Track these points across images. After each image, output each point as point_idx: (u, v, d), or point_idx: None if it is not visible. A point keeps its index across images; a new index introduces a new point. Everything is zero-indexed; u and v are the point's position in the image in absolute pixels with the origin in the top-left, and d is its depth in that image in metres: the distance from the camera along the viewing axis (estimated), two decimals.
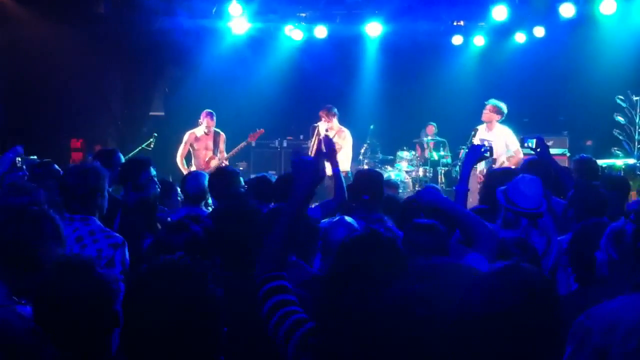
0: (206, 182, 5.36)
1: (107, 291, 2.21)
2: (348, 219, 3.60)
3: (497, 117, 9.28)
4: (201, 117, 9.86)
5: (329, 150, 4.71)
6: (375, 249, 2.32)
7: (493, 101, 9.30)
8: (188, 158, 9.81)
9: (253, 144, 11.10)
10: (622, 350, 2.12)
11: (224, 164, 9.44)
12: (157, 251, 3.25)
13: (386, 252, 2.33)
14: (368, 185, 4.93)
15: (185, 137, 9.80)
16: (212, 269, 1.86)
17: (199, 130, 9.83)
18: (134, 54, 12.92)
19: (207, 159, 9.75)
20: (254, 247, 2.88)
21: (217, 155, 9.80)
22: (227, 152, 10.00)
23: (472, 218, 3.75)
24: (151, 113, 14.13)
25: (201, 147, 9.79)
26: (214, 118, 9.84)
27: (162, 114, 14.43)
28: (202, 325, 1.81)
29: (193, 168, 9.38)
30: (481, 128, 9.54)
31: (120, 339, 1.83)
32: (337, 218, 3.63)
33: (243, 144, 10.31)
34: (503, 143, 9.17)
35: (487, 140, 9.27)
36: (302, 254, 3.46)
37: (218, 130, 9.90)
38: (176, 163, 9.75)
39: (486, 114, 9.31)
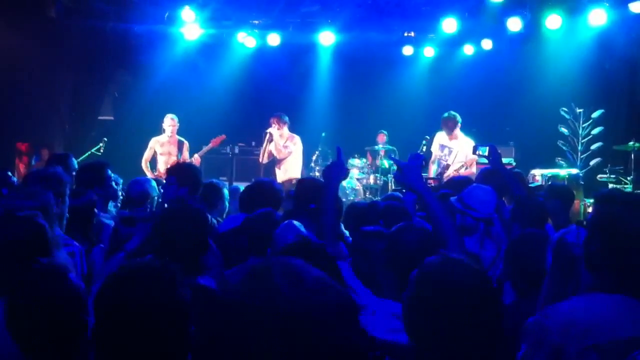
0: (149, 188, 5.43)
1: (76, 298, 2.22)
2: (296, 223, 3.63)
3: (453, 124, 9.52)
4: (164, 122, 10.13)
5: None
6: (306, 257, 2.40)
7: (445, 114, 9.60)
8: (153, 163, 10.10)
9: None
10: (576, 349, 2.22)
11: None
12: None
13: (317, 260, 2.40)
14: (314, 194, 4.94)
15: (151, 142, 10.14)
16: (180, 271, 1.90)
17: (163, 137, 10.15)
18: (84, 57, 12.73)
19: (169, 164, 9.84)
20: (197, 247, 2.94)
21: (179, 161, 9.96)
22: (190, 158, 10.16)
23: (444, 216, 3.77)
24: (100, 117, 13.92)
25: (165, 152, 10.11)
26: (176, 119, 10.17)
27: (112, 118, 14.23)
28: (171, 325, 1.84)
29: (156, 173, 9.72)
30: (441, 135, 9.74)
31: (91, 339, 1.84)
32: (285, 223, 3.65)
33: (207, 148, 10.49)
34: (464, 153, 9.39)
35: (448, 147, 9.52)
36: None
37: (182, 138, 10.22)
38: (127, 167, 9.71)
39: (443, 127, 9.64)
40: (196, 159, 10.13)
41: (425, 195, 3.38)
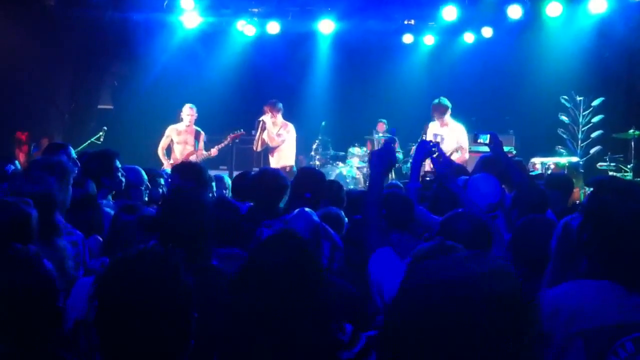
0: (138, 176, 5.36)
1: (48, 288, 2.16)
2: (308, 210, 3.60)
3: (444, 110, 9.43)
4: (182, 111, 10.17)
5: None
6: (283, 249, 2.41)
7: (435, 100, 9.51)
8: (169, 151, 10.15)
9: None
10: (563, 335, 2.23)
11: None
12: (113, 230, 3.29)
13: (296, 253, 2.42)
14: (310, 183, 4.97)
15: (167, 130, 10.18)
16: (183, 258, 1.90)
17: (181, 125, 10.19)
18: (83, 47, 12.71)
19: (185, 153, 10.01)
20: (199, 236, 2.93)
21: (196, 151, 10.10)
22: (206, 151, 10.19)
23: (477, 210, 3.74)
24: (100, 106, 13.92)
25: (181, 141, 10.16)
26: (194, 109, 10.22)
27: (111, 107, 14.23)
28: (175, 312, 1.85)
29: (172, 161, 9.73)
30: (434, 123, 9.69)
31: (94, 326, 1.84)
32: (297, 210, 3.62)
33: (225, 142, 10.47)
34: (455, 140, 9.35)
35: (440, 135, 9.47)
36: None
37: (199, 129, 10.26)
38: (127, 156, 9.68)
39: (434, 114, 9.54)
40: (214, 152, 10.17)
41: (458, 193, 3.46)
